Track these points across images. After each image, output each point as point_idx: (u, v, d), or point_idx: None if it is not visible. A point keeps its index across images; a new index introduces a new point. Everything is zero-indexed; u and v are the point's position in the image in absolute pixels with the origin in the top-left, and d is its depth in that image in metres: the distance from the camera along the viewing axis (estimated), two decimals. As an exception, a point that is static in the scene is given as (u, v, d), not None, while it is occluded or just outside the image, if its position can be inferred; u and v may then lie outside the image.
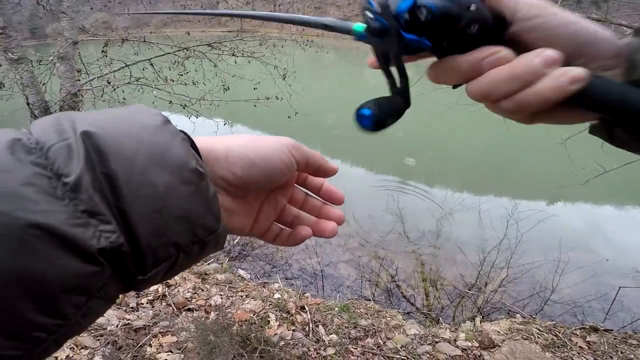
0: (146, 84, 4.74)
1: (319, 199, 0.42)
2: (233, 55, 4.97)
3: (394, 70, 0.32)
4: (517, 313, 3.12)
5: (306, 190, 0.42)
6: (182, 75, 4.95)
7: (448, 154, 8.76)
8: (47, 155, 0.23)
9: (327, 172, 0.40)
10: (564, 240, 4.23)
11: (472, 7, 0.28)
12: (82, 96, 4.75)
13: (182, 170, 0.26)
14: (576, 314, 3.41)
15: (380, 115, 0.30)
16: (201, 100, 4.77)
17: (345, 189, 5.19)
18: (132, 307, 2.01)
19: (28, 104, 4.41)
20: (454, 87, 0.33)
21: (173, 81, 4.83)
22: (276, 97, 4.99)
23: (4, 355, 0.20)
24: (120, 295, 2.11)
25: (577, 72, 0.28)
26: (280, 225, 0.40)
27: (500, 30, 0.30)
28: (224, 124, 5.39)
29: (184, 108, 4.75)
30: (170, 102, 4.72)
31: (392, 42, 0.29)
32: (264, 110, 4.99)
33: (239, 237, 4.00)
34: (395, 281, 3.77)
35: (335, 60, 24.27)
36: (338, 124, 9.93)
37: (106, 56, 4.88)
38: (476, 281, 3.76)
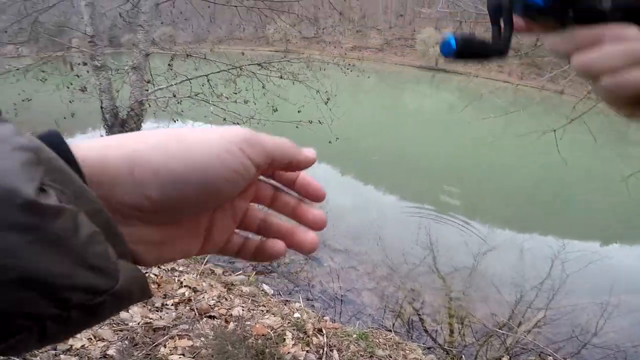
0: (204, 100, 5.03)
1: (294, 194, 0.31)
2: (280, 77, 5.15)
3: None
4: (549, 355, 2.87)
5: (275, 183, 0.31)
6: (235, 93, 5.21)
7: (491, 183, 8.38)
8: None
9: (300, 165, 0.29)
10: (615, 283, 3.89)
11: None
12: (150, 105, 5.18)
13: (3, 207, 0.16)
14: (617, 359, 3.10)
15: (461, 48, 0.33)
16: (251, 119, 4.98)
17: (377, 217, 5.14)
18: (156, 307, 2.12)
19: (102, 107, 4.90)
20: (563, 57, 0.32)
21: (227, 98, 5.10)
22: (319, 121, 5.10)
23: None
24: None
25: None
26: (243, 233, 0.31)
27: None
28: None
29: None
30: (225, 119, 4.96)
31: None
32: (306, 133, 5.13)
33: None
34: (419, 314, 3.64)
35: (375, 84, 24.40)
36: (377, 149, 9.92)
37: (171, 69, 5.26)
38: (509, 320, 3.54)
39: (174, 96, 5.08)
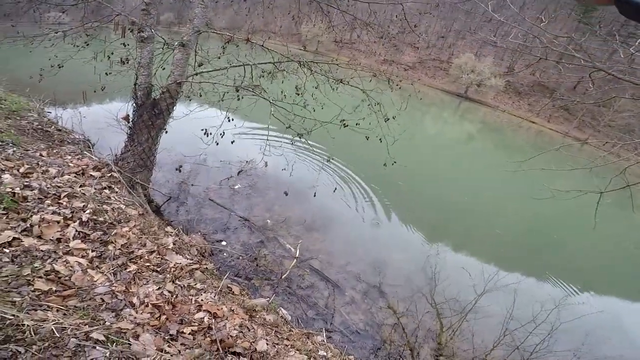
0: (263, 97, 4.41)
1: None
2: (340, 82, 4.56)
3: None
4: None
5: None
6: (298, 94, 4.62)
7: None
8: None
9: None
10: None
11: None
12: (190, 88, 4.72)
13: None
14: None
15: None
16: (310, 132, 4.42)
17: (402, 251, 4.72)
18: (171, 335, 1.74)
19: (135, 84, 4.33)
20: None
21: (285, 96, 4.50)
22: (380, 139, 4.52)
23: None
24: (162, 317, 1.80)
25: None
26: None
27: None
28: (327, 160, 5.16)
29: (300, 138, 4.40)
30: (289, 126, 4.39)
31: None
32: (359, 149, 4.66)
33: (287, 272, 3.72)
34: (437, 356, 3.26)
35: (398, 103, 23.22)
36: (401, 173, 9.44)
37: (223, 54, 4.71)
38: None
39: (213, 84, 4.61)
